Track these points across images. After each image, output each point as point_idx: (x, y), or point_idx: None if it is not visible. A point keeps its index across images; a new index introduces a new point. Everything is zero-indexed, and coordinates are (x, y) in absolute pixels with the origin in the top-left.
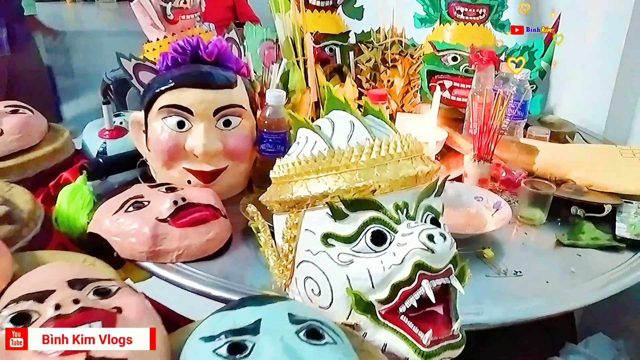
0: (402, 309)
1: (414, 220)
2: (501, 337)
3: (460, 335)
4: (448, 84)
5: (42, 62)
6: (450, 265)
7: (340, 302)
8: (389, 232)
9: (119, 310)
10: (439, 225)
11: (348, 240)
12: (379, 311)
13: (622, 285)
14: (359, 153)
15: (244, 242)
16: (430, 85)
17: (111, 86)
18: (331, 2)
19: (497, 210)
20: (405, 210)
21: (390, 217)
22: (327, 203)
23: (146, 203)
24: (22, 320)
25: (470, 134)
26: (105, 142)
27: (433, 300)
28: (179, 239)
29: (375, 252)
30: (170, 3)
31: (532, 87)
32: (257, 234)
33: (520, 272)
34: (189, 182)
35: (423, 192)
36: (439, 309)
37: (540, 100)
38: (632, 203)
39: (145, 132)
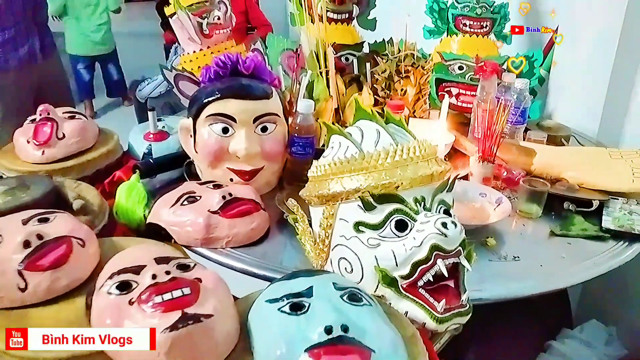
0: (420, 283)
1: (430, 211)
2: (503, 323)
3: (468, 305)
4: (455, 91)
5: (64, 69)
6: (460, 248)
7: (369, 278)
8: (410, 221)
9: (199, 280)
10: (450, 215)
11: (376, 227)
12: (401, 285)
13: (606, 267)
14: (384, 156)
15: (279, 231)
16: (439, 93)
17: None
18: (347, 15)
19: (499, 205)
20: (422, 203)
21: (411, 208)
22: (358, 197)
23: (198, 198)
24: (124, 287)
25: (475, 137)
26: (150, 145)
27: (446, 275)
28: (228, 228)
29: (399, 237)
30: (206, 19)
31: (531, 95)
32: (294, 223)
33: (518, 257)
34: (231, 179)
35: (437, 188)
36: (451, 283)
37: (539, 105)
38: (617, 199)
39: (193, 136)
